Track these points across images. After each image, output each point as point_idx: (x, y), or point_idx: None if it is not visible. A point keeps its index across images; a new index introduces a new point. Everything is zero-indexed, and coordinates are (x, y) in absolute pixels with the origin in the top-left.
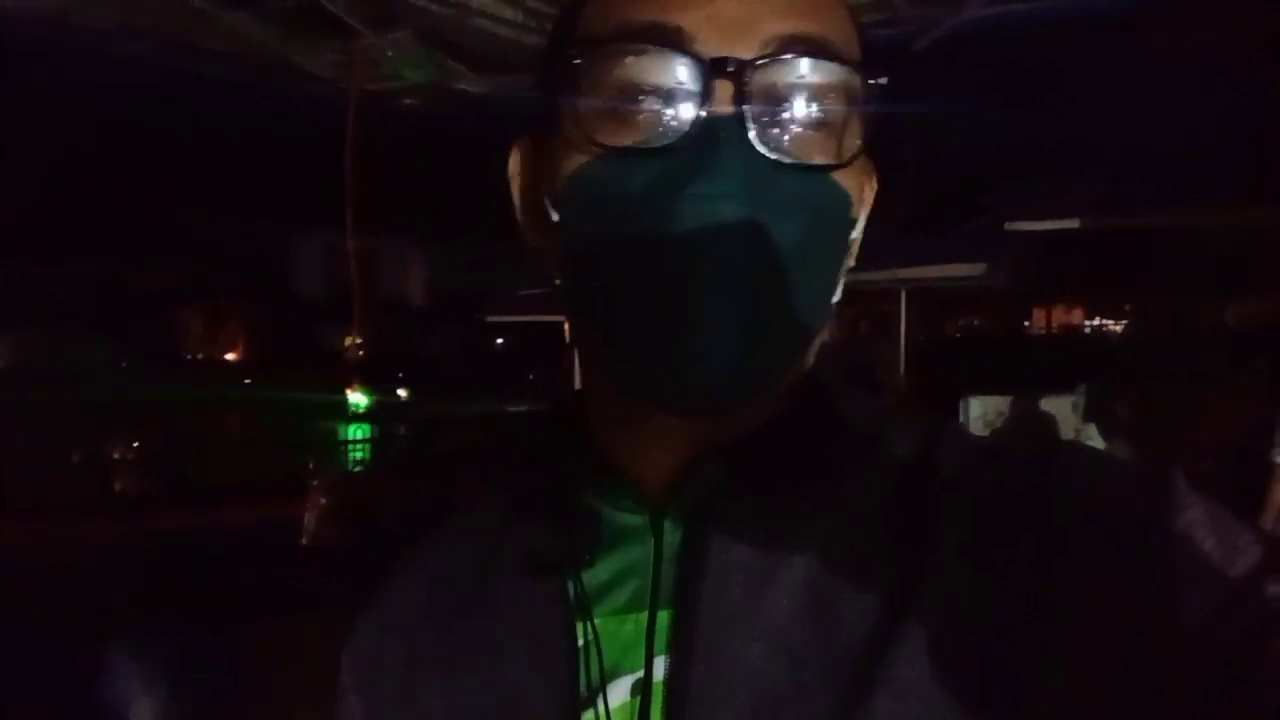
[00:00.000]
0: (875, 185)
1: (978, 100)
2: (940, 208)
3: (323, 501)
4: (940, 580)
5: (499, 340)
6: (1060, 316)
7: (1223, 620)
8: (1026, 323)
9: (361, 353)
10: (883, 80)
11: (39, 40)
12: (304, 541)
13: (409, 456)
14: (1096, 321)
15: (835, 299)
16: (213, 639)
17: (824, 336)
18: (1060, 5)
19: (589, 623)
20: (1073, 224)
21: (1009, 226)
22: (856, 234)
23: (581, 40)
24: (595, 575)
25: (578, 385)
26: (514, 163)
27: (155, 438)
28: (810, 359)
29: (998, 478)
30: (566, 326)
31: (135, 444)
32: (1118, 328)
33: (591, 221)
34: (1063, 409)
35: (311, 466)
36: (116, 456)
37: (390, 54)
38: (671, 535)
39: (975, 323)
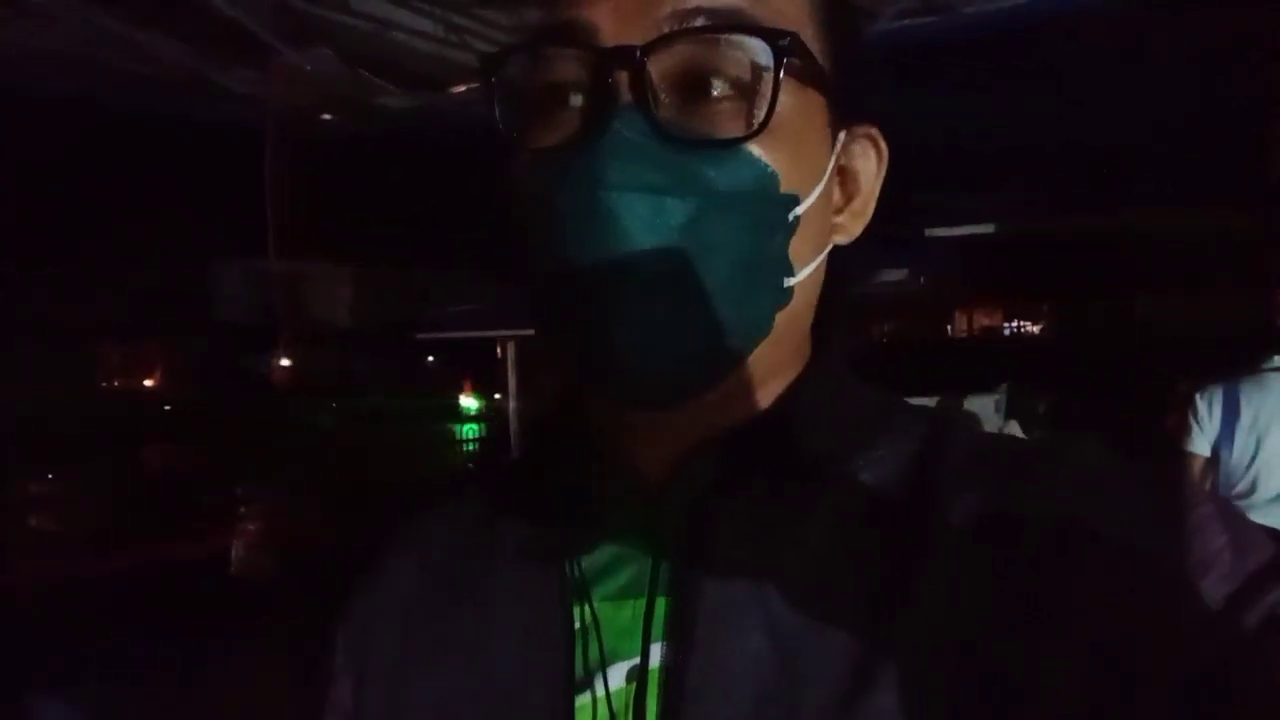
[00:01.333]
0: (871, 155)
1: (898, 108)
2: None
3: (250, 528)
4: (939, 575)
5: (430, 358)
6: (980, 319)
7: (1233, 616)
8: (949, 326)
9: (289, 374)
10: (785, 41)
11: None
12: (232, 571)
13: (344, 484)
14: (1015, 324)
15: (793, 280)
16: (147, 681)
17: (801, 323)
18: (973, 16)
19: (586, 606)
20: (988, 229)
21: (929, 233)
22: (862, 204)
23: (509, 46)
24: (592, 561)
25: (511, 397)
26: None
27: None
28: (801, 348)
29: (1002, 474)
30: (499, 347)
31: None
32: (1035, 328)
33: (523, 224)
34: (985, 407)
35: (239, 491)
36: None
37: (309, 69)
38: (670, 524)
39: (895, 328)
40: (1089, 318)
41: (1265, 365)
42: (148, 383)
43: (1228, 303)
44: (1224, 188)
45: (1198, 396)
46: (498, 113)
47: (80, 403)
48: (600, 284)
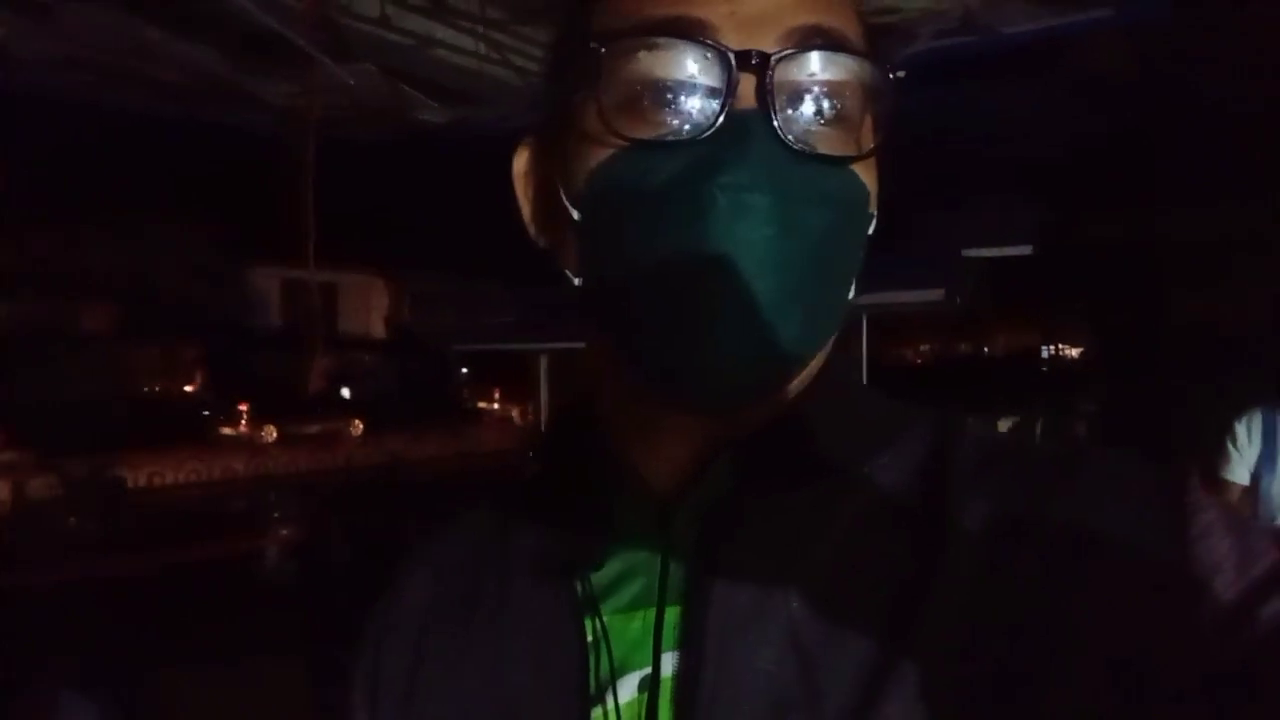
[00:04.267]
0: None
1: (920, 126)
2: (892, 233)
3: (284, 533)
4: (953, 582)
5: (464, 370)
6: (1018, 340)
7: (1238, 624)
8: (986, 348)
9: (325, 383)
10: (900, 73)
11: None
12: (265, 573)
13: (366, 494)
14: (1054, 349)
15: (851, 294)
16: (161, 684)
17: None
18: (1010, 36)
19: (597, 619)
20: (1026, 250)
21: (966, 253)
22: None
23: (600, 34)
24: (602, 573)
25: (544, 410)
26: (520, 163)
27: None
28: (825, 354)
29: (1014, 478)
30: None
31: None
32: (1074, 352)
33: (616, 216)
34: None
35: (272, 498)
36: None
37: (351, 83)
38: (681, 532)
39: (930, 347)
40: (1126, 331)
41: None
42: (188, 388)
43: (1263, 309)
44: (1259, 188)
45: (1236, 423)
46: (599, 98)
47: (108, 403)
48: (715, 282)
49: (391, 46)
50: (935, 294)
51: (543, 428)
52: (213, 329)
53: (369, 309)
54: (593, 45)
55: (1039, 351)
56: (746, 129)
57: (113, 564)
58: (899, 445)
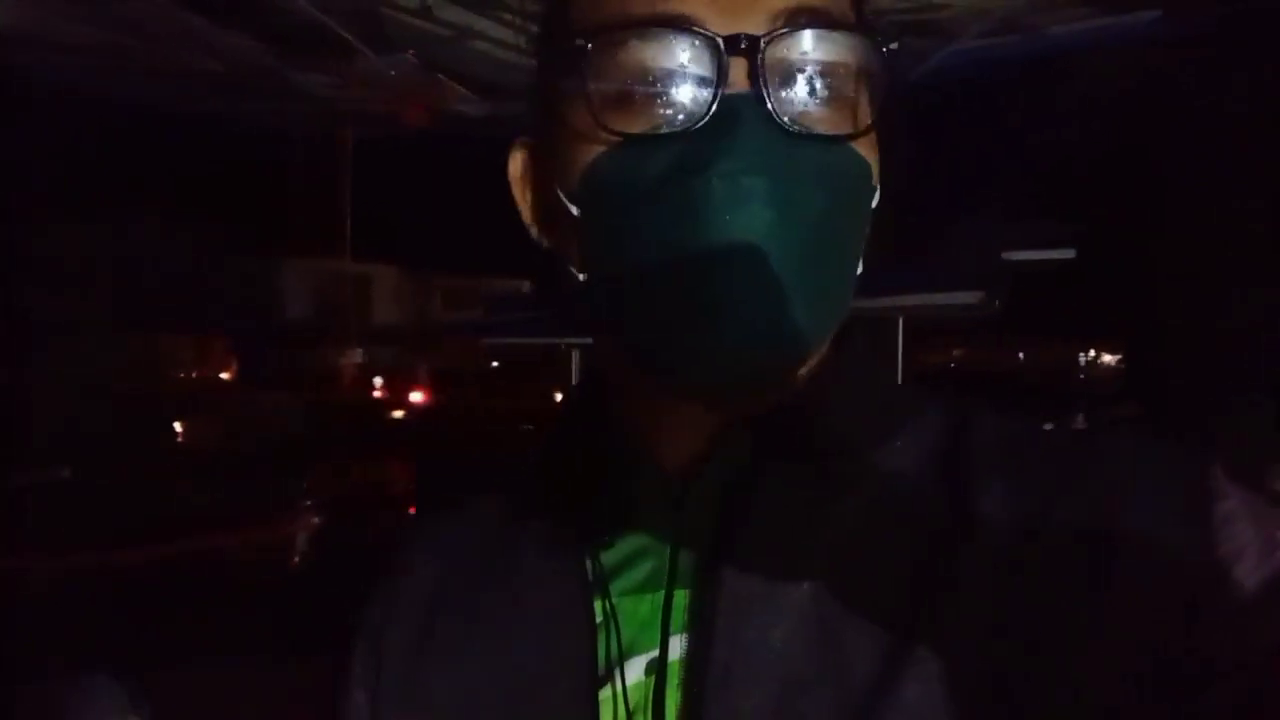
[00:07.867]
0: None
1: (962, 132)
2: (929, 236)
3: (315, 521)
4: (969, 569)
5: (494, 364)
6: (1057, 348)
7: (1262, 612)
8: (1021, 354)
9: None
10: (893, 46)
11: (9, 60)
12: (295, 561)
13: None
14: (1091, 354)
15: (859, 272)
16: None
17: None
18: (1046, 39)
19: (606, 599)
20: (1069, 254)
21: (1006, 256)
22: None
23: (584, 29)
24: (612, 554)
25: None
26: (515, 166)
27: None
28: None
29: (1034, 464)
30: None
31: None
32: (1113, 361)
33: (616, 212)
34: None
35: (305, 485)
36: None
37: (392, 74)
38: (692, 515)
39: (961, 353)
40: (1167, 339)
41: None
42: (224, 375)
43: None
44: None
45: None
46: (589, 95)
47: (143, 394)
48: (719, 271)
49: (431, 37)
50: (973, 297)
51: None
52: (241, 321)
53: (399, 303)
54: (579, 42)
55: (1075, 359)
56: (739, 114)
57: (120, 554)
58: (914, 428)
